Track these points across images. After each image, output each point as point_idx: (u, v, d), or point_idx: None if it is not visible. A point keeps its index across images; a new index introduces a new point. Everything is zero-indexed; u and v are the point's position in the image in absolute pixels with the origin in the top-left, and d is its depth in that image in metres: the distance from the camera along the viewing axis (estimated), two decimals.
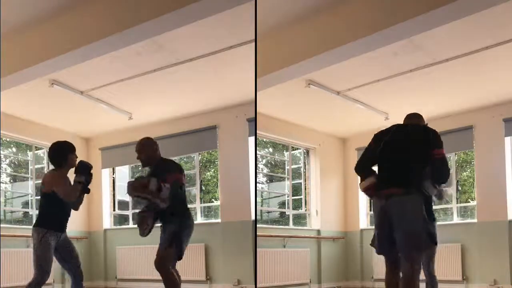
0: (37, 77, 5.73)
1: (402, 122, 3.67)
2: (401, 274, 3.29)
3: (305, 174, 8.91)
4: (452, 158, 8.39)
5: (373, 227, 3.45)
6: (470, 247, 7.64)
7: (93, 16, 4.77)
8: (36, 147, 8.60)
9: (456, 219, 8.15)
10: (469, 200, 8.87)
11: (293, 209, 8.59)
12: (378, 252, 3.43)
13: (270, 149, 8.93)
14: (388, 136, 3.43)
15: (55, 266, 4.01)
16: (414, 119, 3.61)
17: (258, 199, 8.33)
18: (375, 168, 3.48)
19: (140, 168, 9.69)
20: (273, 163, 9.10)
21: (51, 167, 4.06)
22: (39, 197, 4.14)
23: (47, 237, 3.82)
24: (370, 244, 3.56)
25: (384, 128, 3.56)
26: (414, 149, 3.31)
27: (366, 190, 3.45)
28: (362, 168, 3.49)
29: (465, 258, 7.65)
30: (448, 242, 7.77)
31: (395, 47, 5.23)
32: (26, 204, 8.66)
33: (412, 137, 3.36)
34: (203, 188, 8.86)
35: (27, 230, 7.98)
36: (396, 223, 3.20)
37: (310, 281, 8.24)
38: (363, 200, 9.02)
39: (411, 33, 4.65)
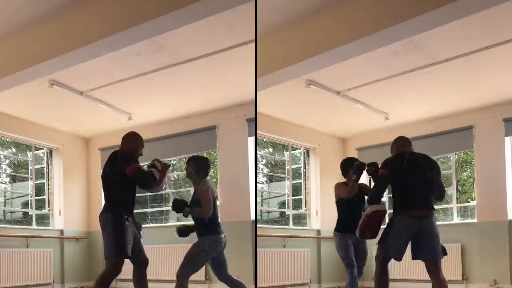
0: (37, 77, 5.72)
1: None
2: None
3: (305, 174, 8.90)
4: (452, 158, 8.40)
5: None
6: (470, 247, 7.64)
7: (93, 16, 4.76)
8: (35, 147, 8.60)
9: (456, 219, 8.15)
10: (469, 200, 8.87)
11: (293, 209, 8.59)
12: (397, 259, 3.97)
13: (270, 149, 8.93)
14: (404, 165, 3.92)
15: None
16: (411, 147, 4.13)
17: (258, 199, 8.32)
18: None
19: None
20: (273, 163, 9.10)
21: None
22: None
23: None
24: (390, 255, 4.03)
25: (392, 156, 4.08)
26: (430, 176, 3.94)
27: (376, 213, 4.05)
28: (381, 195, 4.11)
29: (465, 258, 7.65)
30: (448, 242, 7.73)
31: (395, 47, 5.23)
32: (25, 205, 8.65)
33: (427, 166, 3.96)
34: None
35: (27, 230, 8.08)
36: (426, 238, 3.91)
37: (310, 281, 8.24)
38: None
39: (411, 33, 4.64)
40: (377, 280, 4.11)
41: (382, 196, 4.12)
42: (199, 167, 4.30)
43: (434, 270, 3.99)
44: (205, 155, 8.99)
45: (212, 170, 9.15)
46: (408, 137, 8.91)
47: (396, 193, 3.97)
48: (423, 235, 3.87)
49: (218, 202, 7.95)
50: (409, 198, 3.89)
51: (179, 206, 4.18)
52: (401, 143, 4.12)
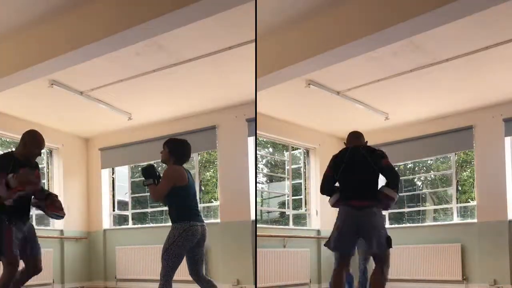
0: (37, 77, 5.72)
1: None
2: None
3: (305, 174, 8.90)
4: (452, 158, 8.40)
5: None
6: (470, 247, 7.64)
7: (93, 16, 4.76)
8: None
9: (456, 219, 8.15)
10: (469, 200, 8.87)
11: (293, 209, 8.59)
12: (341, 251, 4.06)
13: (270, 149, 8.93)
14: (346, 158, 4.13)
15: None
16: (359, 139, 4.29)
17: (258, 199, 8.32)
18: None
19: (139, 168, 9.69)
20: (273, 163, 9.10)
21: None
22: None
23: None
24: (325, 244, 4.14)
25: (335, 155, 4.24)
26: (371, 167, 4.04)
27: (335, 205, 4.18)
28: (329, 191, 4.20)
29: (465, 258, 7.65)
30: (448, 242, 7.77)
31: (395, 47, 5.23)
32: None
33: (368, 158, 4.07)
34: (203, 188, 8.86)
35: None
36: (367, 229, 3.95)
37: (310, 281, 8.24)
38: None
39: (411, 33, 4.65)
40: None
41: (327, 192, 4.22)
42: (173, 150, 4.04)
43: (378, 263, 4.02)
44: (205, 155, 9.01)
45: (212, 170, 9.17)
46: (408, 137, 8.93)
47: (341, 186, 4.14)
48: (367, 227, 3.94)
49: (217, 202, 8.00)
50: (351, 189, 4.03)
51: (148, 171, 3.95)
52: (348, 139, 4.33)
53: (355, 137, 4.31)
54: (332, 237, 4.06)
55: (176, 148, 4.08)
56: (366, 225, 3.94)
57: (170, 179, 3.90)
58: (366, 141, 4.34)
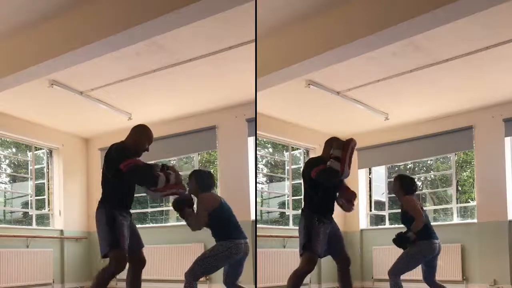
0: (37, 77, 5.72)
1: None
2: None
3: None
4: (452, 158, 8.40)
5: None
6: (470, 247, 7.64)
7: (93, 16, 4.76)
8: (35, 147, 8.60)
9: (456, 219, 8.15)
10: (469, 200, 8.88)
11: (293, 209, 8.58)
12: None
13: (270, 149, 8.93)
14: None
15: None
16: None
17: (258, 199, 8.32)
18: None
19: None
20: (273, 163, 9.10)
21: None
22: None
23: None
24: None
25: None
26: None
27: None
28: None
29: (465, 258, 7.65)
30: (448, 242, 7.76)
31: (395, 47, 5.23)
32: (25, 205, 8.65)
33: None
34: None
35: (27, 230, 8.07)
36: None
37: (310, 281, 8.24)
38: (363, 200, 9.01)
39: (411, 33, 4.64)
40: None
41: None
42: (200, 181, 4.16)
43: None
44: (205, 155, 9.00)
45: (212, 170, 9.15)
46: (408, 137, 8.93)
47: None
48: None
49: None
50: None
51: (181, 201, 4.05)
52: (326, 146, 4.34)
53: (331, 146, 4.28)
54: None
55: (202, 179, 4.20)
56: None
57: (207, 205, 4.07)
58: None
